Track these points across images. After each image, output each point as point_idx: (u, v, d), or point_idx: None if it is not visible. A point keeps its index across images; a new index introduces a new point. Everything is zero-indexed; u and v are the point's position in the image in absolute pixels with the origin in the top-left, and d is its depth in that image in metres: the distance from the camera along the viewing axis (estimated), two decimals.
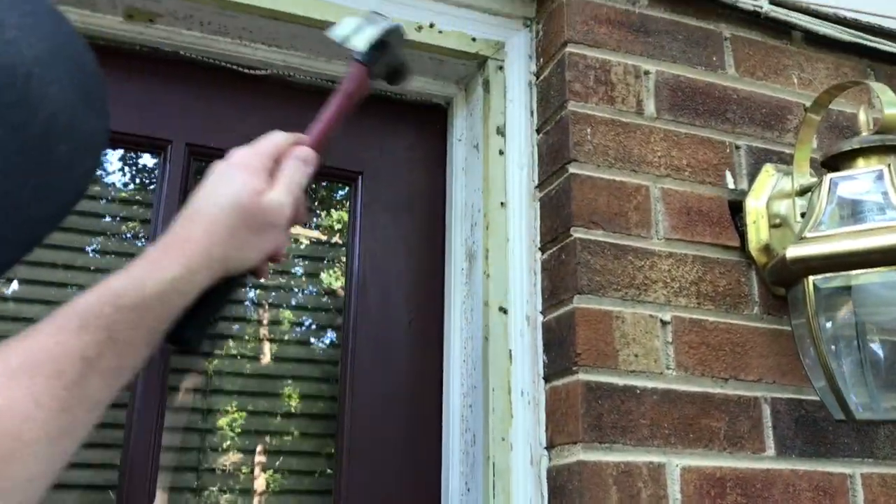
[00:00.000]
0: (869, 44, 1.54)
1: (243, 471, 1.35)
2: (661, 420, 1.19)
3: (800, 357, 1.23)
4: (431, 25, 1.40)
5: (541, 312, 1.31)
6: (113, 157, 1.42)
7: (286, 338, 1.46)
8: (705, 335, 1.26)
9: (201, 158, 1.41)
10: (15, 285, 1.31)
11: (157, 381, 1.28)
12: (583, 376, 1.17)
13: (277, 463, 1.38)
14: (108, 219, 1.39)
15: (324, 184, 1.56)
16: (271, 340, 1.44)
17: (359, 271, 1.43)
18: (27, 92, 0.53)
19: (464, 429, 1.33)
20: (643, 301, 1.24)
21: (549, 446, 1.22)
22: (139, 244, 1.38)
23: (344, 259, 1.48)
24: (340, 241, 1.53)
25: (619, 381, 1.18)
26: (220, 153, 1.39)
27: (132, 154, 1.44)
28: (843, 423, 1.27)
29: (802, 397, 1.28)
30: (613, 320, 1.21)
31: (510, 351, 1.28)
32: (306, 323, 1.49)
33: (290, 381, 1.42)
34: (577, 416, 1.15)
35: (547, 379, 1.26)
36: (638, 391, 1.19)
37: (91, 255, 1.37)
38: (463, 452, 1.32)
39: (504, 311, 1.30)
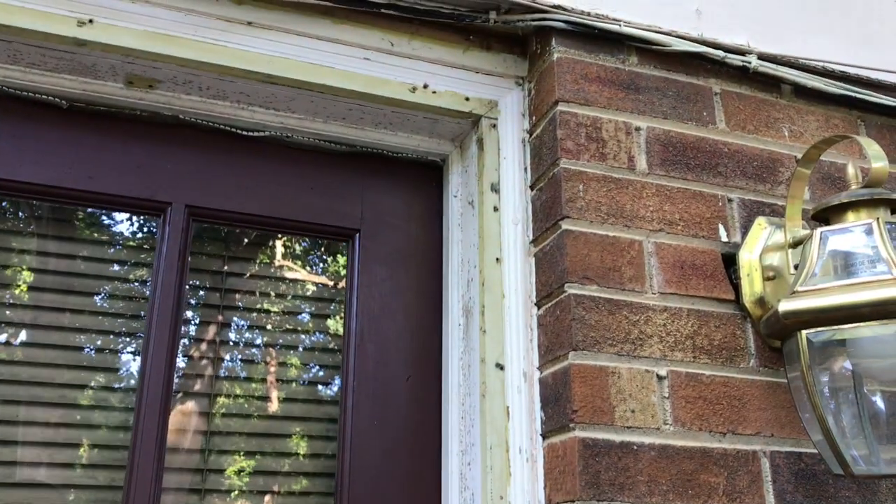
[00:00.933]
0: (858, 95, 1.56)
1: None
2: (659, 476, 1.18)
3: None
4: (426, 86, 1.43)
5: (538, 368, 1.31)
6: (117, 218, 1.44)
7: (293, 384, 1.46)
8: (702, 389, 1.26)
9: (200, 219, 1.43)
10: (23, 334, 1.33)
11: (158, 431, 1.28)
12: (580, 433, 1.17)
13: None
14: (115, 266, 1.41)
15: (320, 243, 1.58)
16: (279, 386, 1.44)
17: (356, 328, 1.44)
18: None
19: (462, 487, 1.32)
20: (639, 356, 1.24)
21: None
22: (146, 290, 1.40)
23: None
24: (346, 286, 1.54)
25: (616, 437, 1.18)
26: (218, 213, 1.43)
27: (134, 216, 1.46)
28: (843, 479, 1.27)
29: (802, 450, 1.28)
30: (609, 376, 1.21)
31: (507, 408, 1.28)
32: (313, 369, 1.49)
33: (297, 428, 1.42)
34: (575, 474, 1.15)
35: (545, 436, 1.26)
36: (635, 447, 1.19)
37: (99, 301, 1.38)
38: None
39: (501, 367, 1.31)
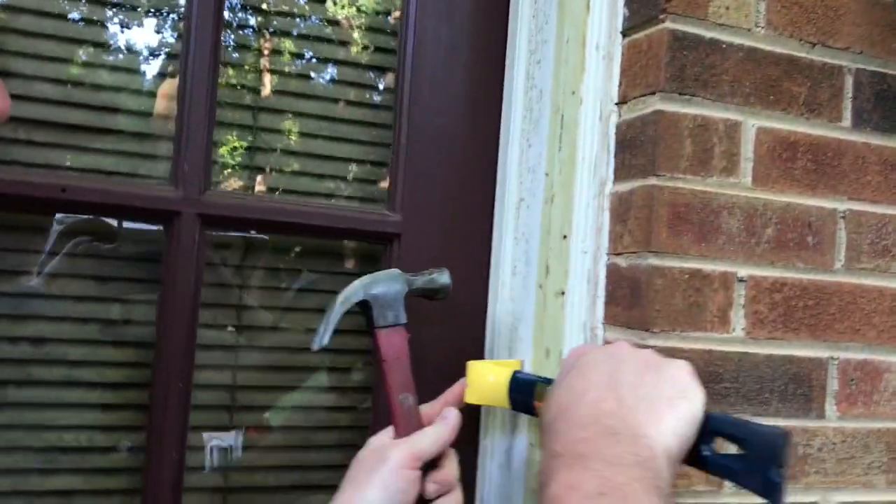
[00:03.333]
0: None
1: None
2: (744, 78, 1.14)
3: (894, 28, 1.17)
4: None
5: None
6: None
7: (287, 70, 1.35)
8: None
9: None
10: None
11: None
12: (670, 24, 1.10)
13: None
14: None
15: None
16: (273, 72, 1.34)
17: None
18: None
19: (529, 86, 1.28)
20: None
21: (621, 102, 1.18)
22: None
23: None
24: None
25: (707, 33, 1.12)
26: None
27: None
28: None
29: (887, 71, 1.23)
30: None
31: (588, 1, 1.20)
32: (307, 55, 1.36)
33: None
34: (660, 66, 1.10)
35: (625, 33, 1.19)
36: (724, 46, 1.13)
37: None
38: (526, 109, 1.28)
39: None
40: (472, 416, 1.32)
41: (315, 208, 1.28)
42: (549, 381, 1.05)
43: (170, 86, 1.23)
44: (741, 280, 1.13)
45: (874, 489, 1.22)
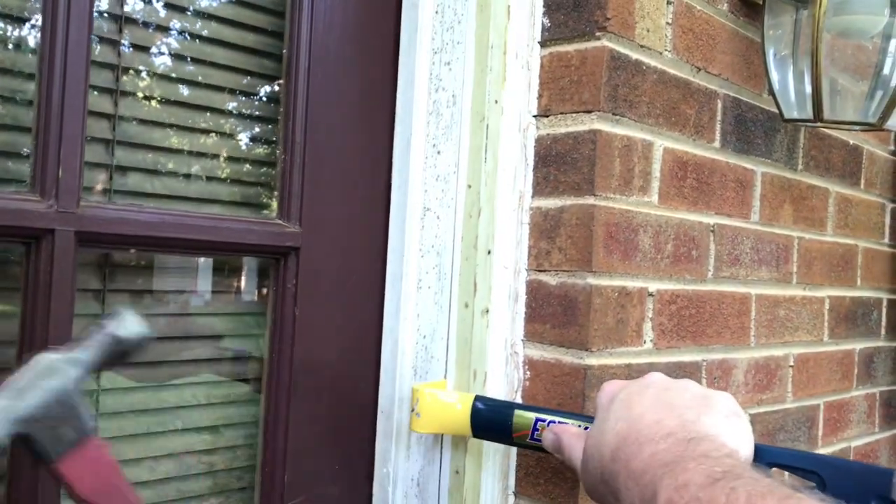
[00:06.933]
0: None
1: None
2: (656, 100, 1.18)
3: (755, 60, 1.29)
4: None
5: None
6: None
7: None
8: (693, 21, 1.24)
9: None
10: None
11: None
12: (608, 43, 1.10)
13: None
14: None
15: None
16: None
17: None
18: None
19: (434, 87, 1.20)
20: None
21: (541, 115, 1.16)
22: None
23: None
24: None
25: (633, 54, 1.14)
26: None
27: None
28: (758, 126, 1.39)
29: (741, 98, 1.35)
30: None
31: (509, 7, 1.15)
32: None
33: None
34: (598, 85, 1.09)
35: (545, 43, 1.16)
36: (644, 67, 1.16)
37: None
38: (432, 113, 1.20)
39: None
40: (359, 440, 1.23)
41: (202, 219, 1.07)
42: (526, 408, 1.01)
43: None
44: (650, 295, 1.19)
45: None
